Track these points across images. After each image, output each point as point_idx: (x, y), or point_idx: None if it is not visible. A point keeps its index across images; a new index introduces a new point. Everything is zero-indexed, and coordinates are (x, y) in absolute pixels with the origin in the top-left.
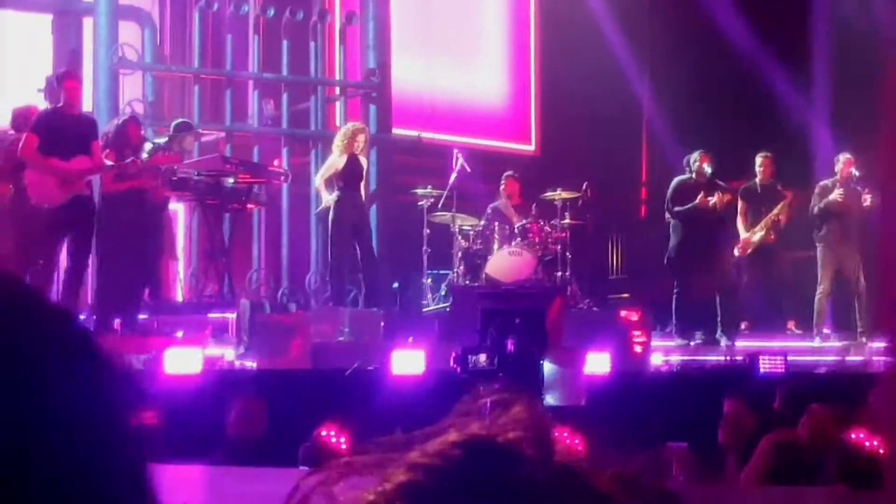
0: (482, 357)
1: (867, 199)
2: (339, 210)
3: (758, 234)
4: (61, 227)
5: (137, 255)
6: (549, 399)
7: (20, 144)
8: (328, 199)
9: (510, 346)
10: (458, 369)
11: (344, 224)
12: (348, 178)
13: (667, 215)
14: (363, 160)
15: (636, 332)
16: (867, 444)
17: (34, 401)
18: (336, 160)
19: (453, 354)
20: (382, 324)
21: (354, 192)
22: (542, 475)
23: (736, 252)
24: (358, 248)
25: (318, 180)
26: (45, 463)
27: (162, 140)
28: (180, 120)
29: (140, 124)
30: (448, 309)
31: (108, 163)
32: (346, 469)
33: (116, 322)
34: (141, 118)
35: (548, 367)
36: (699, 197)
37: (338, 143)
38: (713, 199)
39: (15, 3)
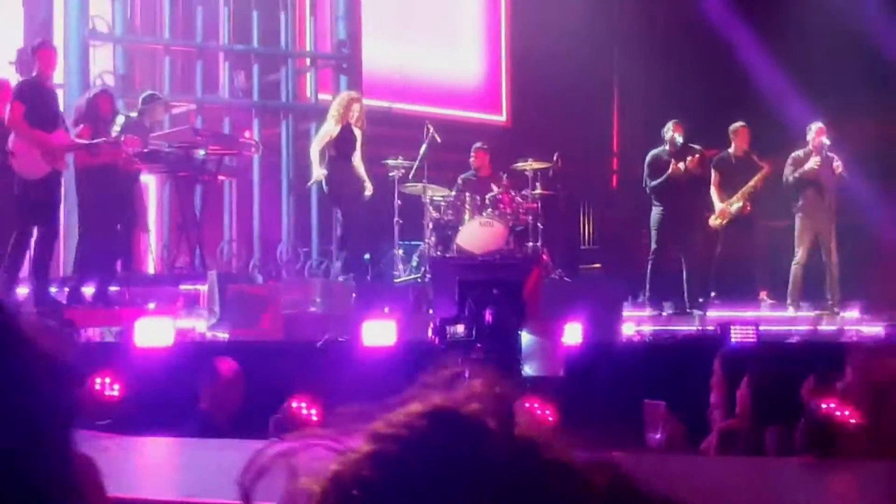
0: (460, 328)
1: (838, 167)
2: (333, 182)
3: (735, 205)
4: (40, 201)
5: (111, 227)
6: (528, 369)
7: (6, 114)
8: (318, 173)
9: (488, 316)
10: (437, 340)
11: (343, 196)
12: (341, 147)
13: (646, 190)
14: (357, 131)
15: None
16: (838, 413)
17: None
18: (331, 128)
19: (431, 325)
20: (354, 294)
21: (346, 163)
22: (503, 447)
23: (712, 222)
24: (341, 218)
25: (312, 150)
26: None
27: (133, 114)
28: (149, 92)
29: (111, 97)
30: (419, 280)
31: (81, 141)
32: (308, 440)
33: (88, 294)
34: (112, 90)
35: (526, 337)
36: (671, 166)
37: (332, 112)
38: (682, 164)
39: None
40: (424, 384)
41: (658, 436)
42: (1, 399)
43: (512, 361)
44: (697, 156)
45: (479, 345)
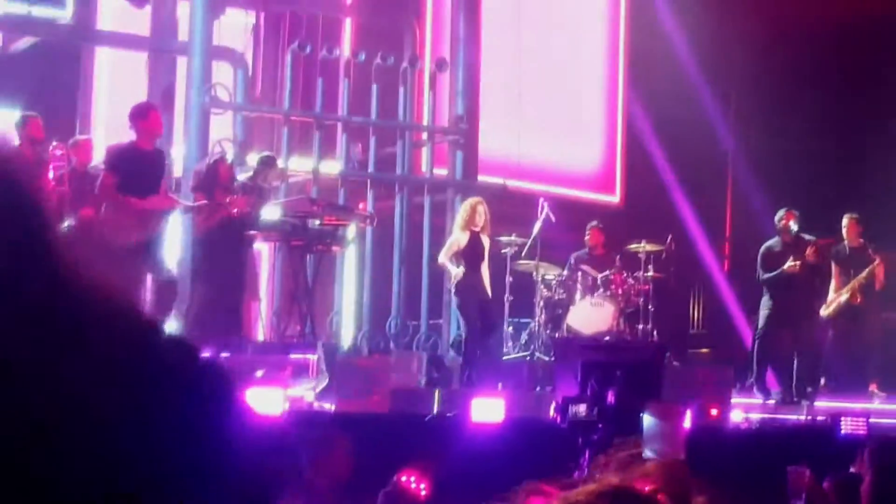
0: (582, 407)
1: None
2: (461, 288)
3: (844, 296)
4: (139, 265)
5: (223, 294)
6: (648, 452)
7: (98, 182)
8: (457, 272)
9: (611, 397)
10: (558, 419)
11: (469, 303)
12: (469, 256)
13: (759, 281)
14: (485, 239)
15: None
16: None
17: (163, 424)
18: (458, 236)
19: (553, 404)
20: (462, 370)
21: (476, 272)
22: None
23: (822, 312)
24: (463, 326)
25: (441, 257)
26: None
27: (246, 175)
28: (265, 153)
29: (230, 164)
30: (528, 358)
31: (187, 203)
32: None
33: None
34: (230, 158)
35: (647, 419)
36: (787, 264)
37: (459, 220)
38: (796, 263)
39: (112, 41)
40: (599, 464)
41: (801, 503)
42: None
43: (633, 443)
44: (815, 246)
45: (600, 425)
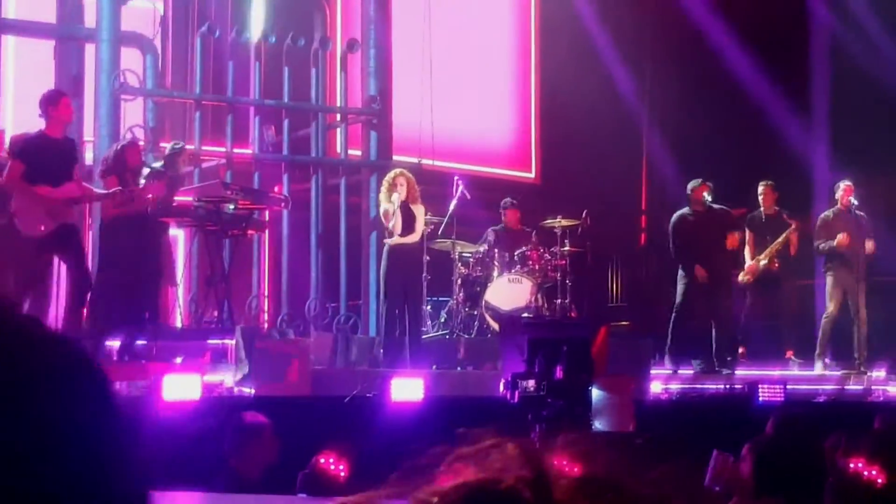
0: (531, 383)
1: (869, 246)
2: (387, 259)
3: (762, 262)
4: (50, 254)
5: (137, 280)
6: (598, 424)
7: (5, 172)
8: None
9: (559, 373)
10: (508, 395)
11: (393, 275)
12: (396, 227)
13: (672, 253)
14: (416, 208)
15: None
16: (865, 473)
17: (38, 425)
18: (385, 207)
19: (502, 380)
20: (382, 350)
21: (403, 243)
22: None
23: (741, 279)
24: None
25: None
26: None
27: (159, 164)
28: (175, 143)
29: (139, 148)
30: (447, 336)
31: (101, 191)
32: None
33: (114, 348)
34: (140, 143)
35: (596, 393)
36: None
37: (382, 192)
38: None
39: (18, 29)
40: (458, 456)
41: (718, 488)
42: (83, 454)
43: (583, 417)
44: (734, 229)
45: (549, 400)
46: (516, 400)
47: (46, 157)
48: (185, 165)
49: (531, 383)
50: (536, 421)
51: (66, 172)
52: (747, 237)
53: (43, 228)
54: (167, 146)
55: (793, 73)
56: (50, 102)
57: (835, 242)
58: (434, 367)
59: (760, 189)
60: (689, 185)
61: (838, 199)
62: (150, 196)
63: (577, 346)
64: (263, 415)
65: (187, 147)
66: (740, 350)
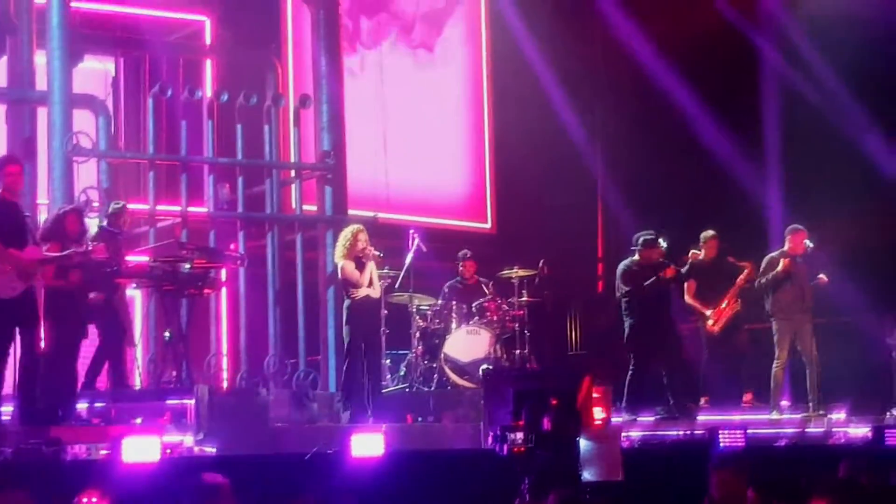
0: (519, 436)
1: (823, 278)
2: (350, 318)
3: (734, 308)
4: (15, 319)
5: (77, 346)
6: (587, 475)
7: None
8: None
9: (546, 424)
10: (496, 448)
11: (356, 333)
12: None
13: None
14: (371, 265)
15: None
16: None
17: None
18: (344, 264)
19: (490, 434)
20: (342, 405)
21: (365, 300)
22: None
23: (710, 328)
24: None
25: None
26: None
27: (103, 223)
28: (116, 202)
29: (79, 214)
30: (407, 389)
31: (52, 254)
32: None
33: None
34: (82, 209)
35: (584, 443)
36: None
37: (340, 248)
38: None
39: None
40: None
41: None
42: None
43: (571, 468)
44: (671, 268)
45: (538, 452)
46: (505, 453)
47: (10, 219)
48: (126, 222)
49: (519, 436)
50: (525, 473)
51: (24, 236)
52: (688, 287)
53: (14, 290)
54: (109, 206)
55: (743, 115)
56: (1, 168)
57: (779, 268)
58: (419, 419)
59: (704, 238)
60: (639, 241)
61: (789, 244)
62: (98, 257)
63: (565, 398)
64: (223, 474)
65: (132, 207)
66: (703, 399)
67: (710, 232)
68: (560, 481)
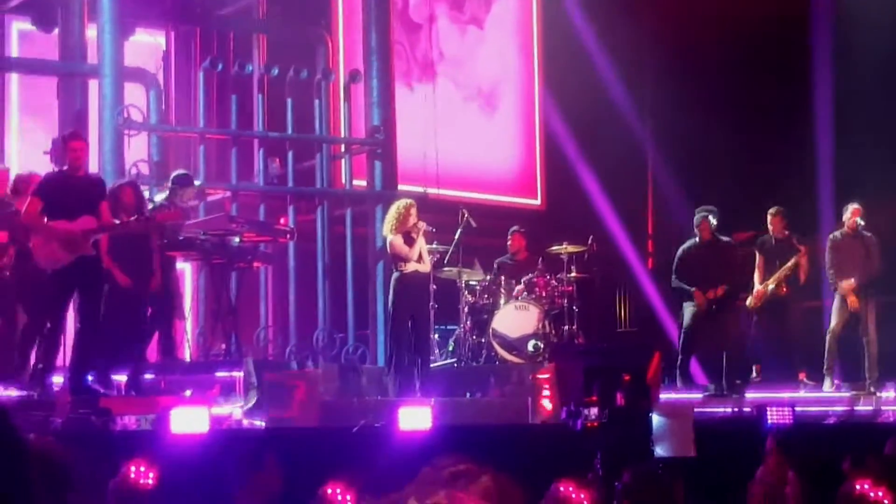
0: (594, 411)
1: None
2: (397, 290)
3: (770, 287)
4: (68, 289)
5: (132, 315)
6: (660, 451)
7: (23, 209)
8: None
9: (620, 400)
10: (570, 423)
11: (402, 307)
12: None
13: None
14: (422, 240)
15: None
16: (872, 494)
17: None
18: (393, 239)
19: (565, 409)
20: (391, 379)
21: (414, 274)
22: None
23: (748, 303)
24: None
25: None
26: None
27: (162, 196)
28: (178, 173)
29: (134, 188)
30: (455, 364)
31: (114, 221)
32: None
33: (120, 381)
34: (146, 179)
35: (656, 419)
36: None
37: (391, 222)
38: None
39: (21, 67)
40: (424, 481)
41: None
42: None
43: (644, 444)
44: (721, 291)
45: (611, 427)
46: (578, 427)
47: (66, 194)
48: (190, 198)
49: (594, 411)
50: (598, 448)
51: (87, 208)
52: (757, 261)
53: (58, 262)
54: (172, 175)
55: (794, 92)
56: (62, 143)
57: (844, 286)
58: (468, 394)
59: (769, 216)
60: (696, 216)
61: (846, 220)
62: (165, 222)
63: (636, 373)
64: (271, 446)
65: (194, 181)
66: (754, 371)
67: (774, 208)
68: (633, 457)
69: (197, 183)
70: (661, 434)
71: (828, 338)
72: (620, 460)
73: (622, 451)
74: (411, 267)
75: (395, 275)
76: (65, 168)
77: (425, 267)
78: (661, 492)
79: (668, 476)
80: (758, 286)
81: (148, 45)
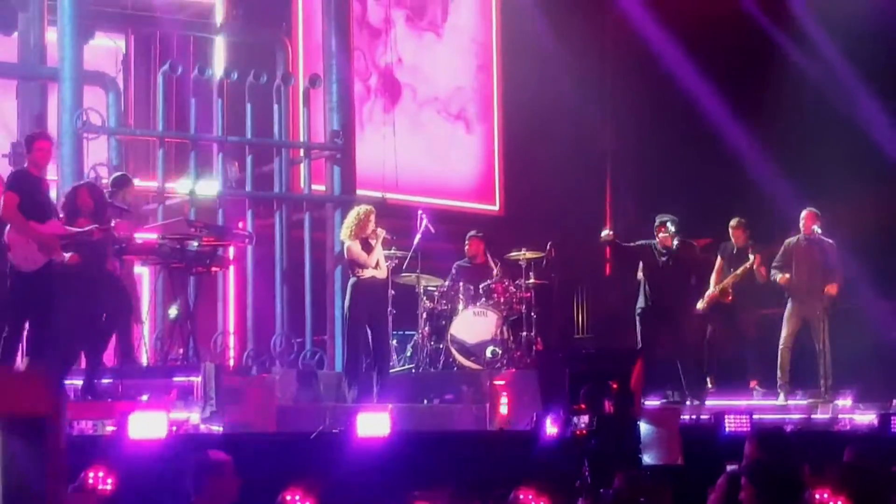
0: (584, 419)
1: (831, 289)
2: (353, 296)
3: (717, 289)
4: (35, 293)
5: (86, 320)
6: (647, 458)
7: (0, 204)
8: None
9: (608, 407)
10: (559, 431)
11: (359, 313)
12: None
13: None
14: (379, 247)
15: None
16: (832, 503)
17: None
18: (350, 245)
19: (549, 417)
20: (348, 385)
21: (368, 280)
22: None
23: (698, 306)
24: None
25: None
26: None
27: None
28: (116, 174)
29: (90, 190)
30: (413, 370)
31: (74, 229)
32: None
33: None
34: (95, 184)
35: (644, 427)
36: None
37: (349, 228)
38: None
39: None
40: None
41: None
42: None
43: (632, 451)
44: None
45: (599, 435)
46: (568, 435)
47: (33, 193)
48: (132, 196)
49: (584, 419)
50: (585, 456)
51: (51, 210)
52: (717, 264)
53: (35, 263)
54: (112, 177)
55: (752, 98)
56: (27, 144)
57: (778, 278)
58: (425, 400)
59: (731, 228)
60: (657, 221)
61: (801, 227)
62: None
63: (622, 380)
64: (228, 452)
65: (141, 184)
66: (709, 385)
67: (735, 220)
68: (622, 465)
69: (151, 185)
70: (648, 442)
71: (780, 352)
72: (609, 468)
73: (610, 459)
74: (368, 273)
75: (352, 280)
76: (26, 168)
77: (381, 273)
78: (651, 498)
79: (658, 483)
80: (711, 289)
81: (107, 48)
